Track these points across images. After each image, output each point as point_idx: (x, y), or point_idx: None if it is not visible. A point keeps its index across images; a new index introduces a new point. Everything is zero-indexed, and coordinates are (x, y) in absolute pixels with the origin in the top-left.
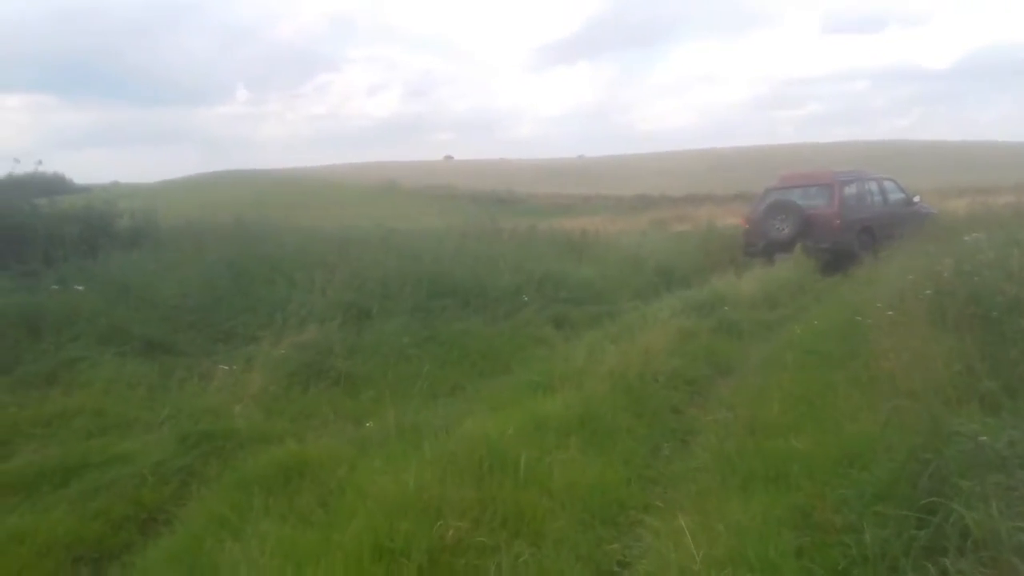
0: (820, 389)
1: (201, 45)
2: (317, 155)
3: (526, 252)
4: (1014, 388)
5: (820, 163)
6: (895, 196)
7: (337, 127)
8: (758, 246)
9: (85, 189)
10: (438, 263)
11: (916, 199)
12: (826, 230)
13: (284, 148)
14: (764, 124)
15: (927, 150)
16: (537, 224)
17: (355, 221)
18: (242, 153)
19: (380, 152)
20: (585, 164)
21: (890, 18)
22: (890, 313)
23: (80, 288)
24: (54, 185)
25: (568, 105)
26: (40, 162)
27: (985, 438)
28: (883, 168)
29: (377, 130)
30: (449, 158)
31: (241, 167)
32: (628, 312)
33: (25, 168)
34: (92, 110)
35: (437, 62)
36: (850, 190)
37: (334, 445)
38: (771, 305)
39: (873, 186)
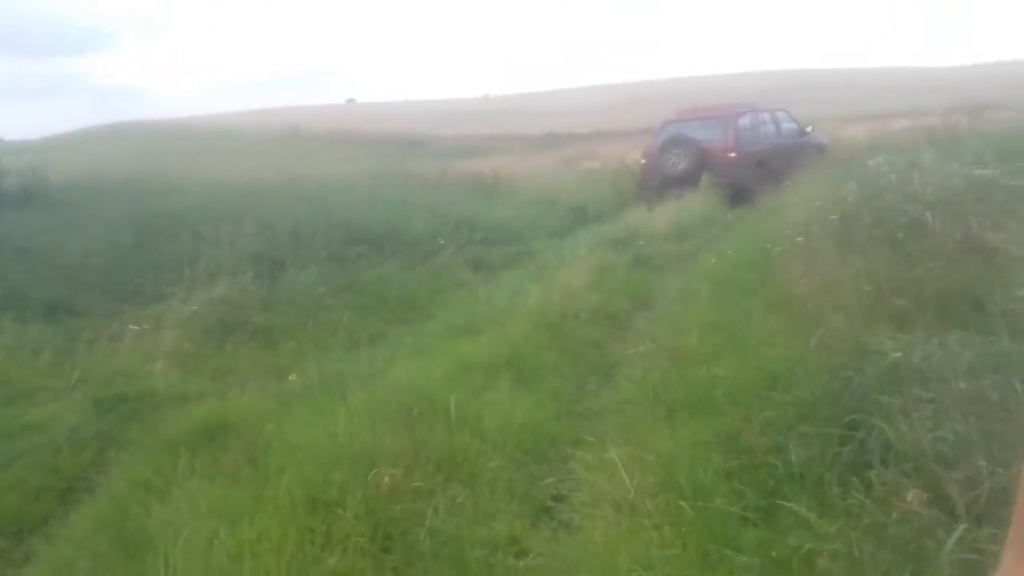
0: (737, 317)
1: None
2: (214, 103)
3: (438, 195)
4: (922, 306)
5: (722, 94)
6: (788, 127)
7: (234, 74)
8: (654, 182)
9: None
10: (350, 210)
11: (809, 129)
12: (721, 164)
13: (179, 98)
14: (667, 57)
15: (825, 77)
16: (447, 166)
17: (259, 170)
18: (134, 104)
19: (280, 98)
20: (490, 103)
21: None
22: (799, 239)
23: None
24: None
25: (472, 43)
26: None
27: (899, 354)
28: (783, 97)
29: (276, 76)
30: (351, 101)
31: (133, 119)
32: (545, 251)
33: None
34: None
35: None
36: (744, 122)
37: (257, 400)
38: (683, 237)
39: (766, 117)
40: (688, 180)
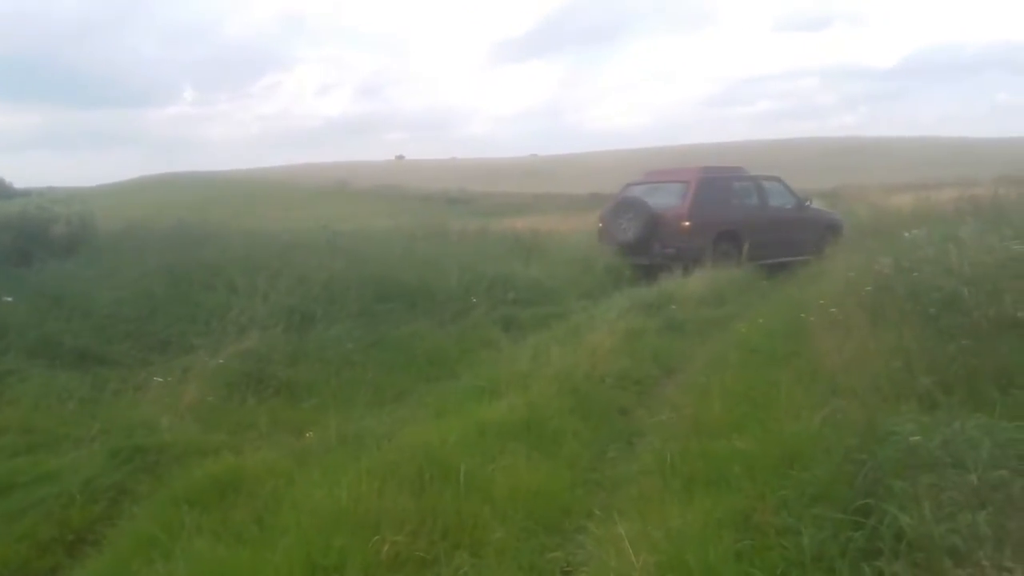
0: (763, 388)
1: (146, 45)
2: (266, 156)
3: (475, 253)
4: (950, 384)
5: (768, 160)
6: (779, 200)
7: (287, 128)
8: (609, 248)
9: (25, 193)
10: (385, 265)
11: (808, 203)
12: (672, 233)
13: (232, 149)
14: (716, 122)
15: (876, 147)
16: (488, 224)
17: (304, 222)
18: (189, 155)
19: (331, 153)
20: (537, 163)
21: (835, 17)
22: (833, 310)
23: (9, 299)
24: None
25: (520, 104)
26: None
27: (918, 438)
28: (834, 165)
29: (328, 130)
30: (400, 158)
31: (188, 169)
32: (577, 312)
33: None
34: (32, 112)
35: (388, 61)
36: (709, 189)
37: (272, 457)
38: (718, 303)
39: (748, 185)
40: (640, 248)
